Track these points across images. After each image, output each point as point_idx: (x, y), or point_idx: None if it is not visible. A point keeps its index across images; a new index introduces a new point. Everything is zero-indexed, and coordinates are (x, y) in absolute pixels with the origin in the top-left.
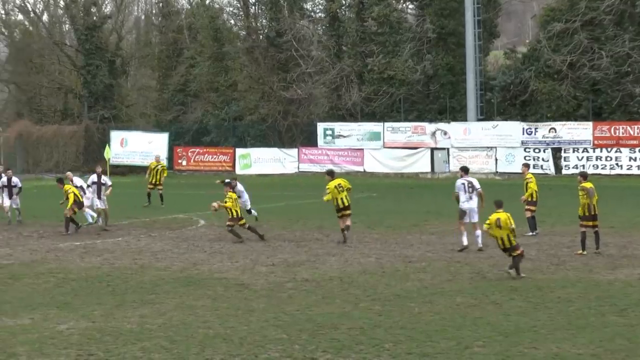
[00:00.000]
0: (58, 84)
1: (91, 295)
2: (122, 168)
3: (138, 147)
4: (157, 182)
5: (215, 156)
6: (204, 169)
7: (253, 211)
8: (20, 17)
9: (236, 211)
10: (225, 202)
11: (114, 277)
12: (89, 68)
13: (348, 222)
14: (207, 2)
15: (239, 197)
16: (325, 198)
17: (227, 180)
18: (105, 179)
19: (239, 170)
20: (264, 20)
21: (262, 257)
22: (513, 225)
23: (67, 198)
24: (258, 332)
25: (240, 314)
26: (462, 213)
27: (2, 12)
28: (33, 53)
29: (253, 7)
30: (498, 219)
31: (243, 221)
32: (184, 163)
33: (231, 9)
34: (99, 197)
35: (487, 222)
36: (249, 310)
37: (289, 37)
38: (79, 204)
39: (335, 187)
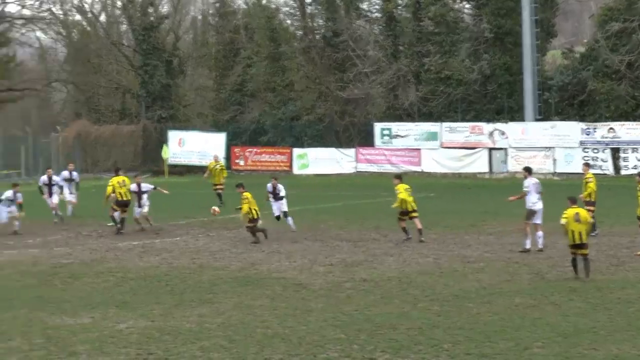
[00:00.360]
0: (116, 83)
1: (150, 295)
2: (179, 168)
3: (196, 147)
4: (218, 182)
5: (272, 156)
6: (262, 169)
7: (288, 219)
8: (78, 17)
9: (255, 210)
10: (241, 208)
11: (172, 277)
12: (146, 68)
13: (419, 225)
14: (264, 2)
15: (278, 197)
16: (394, 205)
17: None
18: (75, 174)
19: (296, 170)
20: (320, 20)
21: (320, 257)
22: (591, 220)
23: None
24: (316, 332)
25: (299, 314)
26: (531, 213)
27: (61, 12)
28: (91, 53)
29: (309, 7)
30: (577, 213)
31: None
32: (242, 163)
33: (287, 8)
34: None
35: (564, 215)
36: (307, 310)
37: (346, 37)
38: (120, 202)
39: (406, 190)
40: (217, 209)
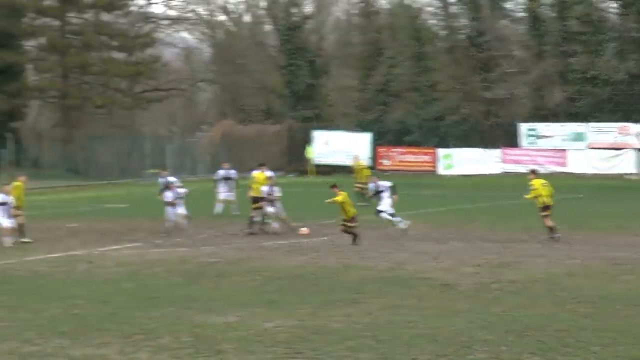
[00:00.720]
0: (260, 83)
1: (297, 294)
2: (324, 167)
3: (340, 146)
4: (361, 182)
5: (417, 156)
6: (406, 169)
7: (399, 222)
8: (222, 17)
9: (349, 211)
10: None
11: (319, 276)
12: (290, 68)
13: (549, 223)
14: (407, 1)
15: (381, 195)
16: (528, 196)
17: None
18: (232, 172)
19: (441, 171)
20: (464, 20)
21: (466, 258)
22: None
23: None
24: (464, 332)
25: (446, 315)
26: None
27: (205, 12)
28: (236, 53)
29: (453, 7)
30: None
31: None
32: (387, 163)
33: (431, 8)
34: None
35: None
36: (454, 311)
37: (490, 37)
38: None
39: (542, 185)
40: (305, 230)
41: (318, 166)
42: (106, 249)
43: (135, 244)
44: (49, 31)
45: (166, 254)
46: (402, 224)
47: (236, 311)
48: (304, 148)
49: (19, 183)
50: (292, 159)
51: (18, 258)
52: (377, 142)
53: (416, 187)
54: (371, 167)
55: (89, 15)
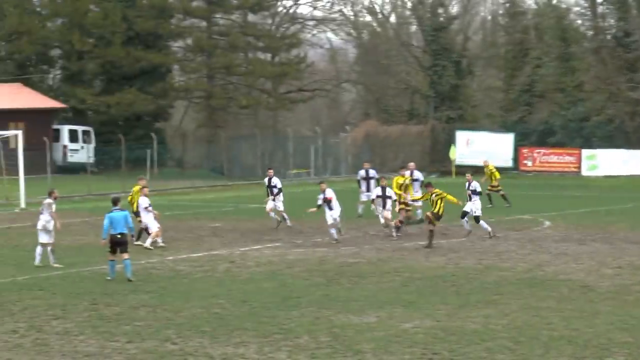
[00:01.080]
0: (405, 84)
1: (435, 295)
2: (466, 168)
3: (483, 147)
4: (493, 185)
5: (561, 157)
6: (550, 170)
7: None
8: (368, 18)
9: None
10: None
11: (458, 277)
12: (435, 69)
13: None
14: (554, 2)
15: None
16: None
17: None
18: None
19: (585, 172)
20: (611, 20)
21: (608, 259)
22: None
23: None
24: (603, 335)
25: (585, 316)
26: None
27: (351, 13)
28: (381, 54)
29: (600, 7)
30: None
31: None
32: (530, 164)
33: (578, 8)
34: None
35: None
36: (594, 313)
37: (637, 37)
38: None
39: None
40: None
41: (460, 167)
42: (247, 248)
43: (276, 244)
44: (195, 32)
45: (306, 254)
46: (468, 225)
47: (375, 312)
48: (446, 149)
49: (138, 187)
50: (435, 159)
51: (160, 257)
52: (520, 143)
53: (559, 188)
54: (514, 169)
55: (235, 16)
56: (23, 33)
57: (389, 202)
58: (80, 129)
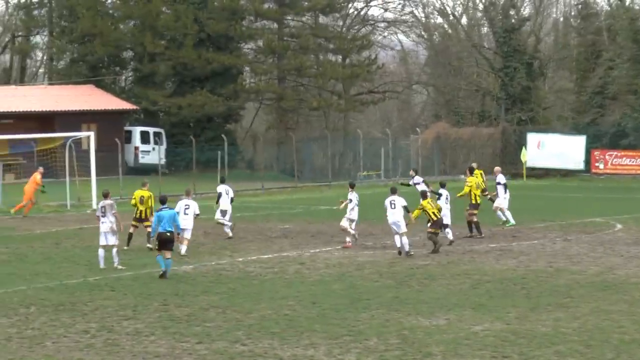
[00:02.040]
0: (476, 86)
1: (506, 297)
2: (538, 170)
3: (555, 149)
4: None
5: (633, 160)
6: (622, 173)
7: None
8: (439, 20)
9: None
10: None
11: (528, 280)
12: (506, 70)
13: None
14: (627, 3)
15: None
16: None
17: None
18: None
19: None
20: None
21: None
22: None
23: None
24: None
25: None
26: None
27: (422, 15)
28: (451, 56)
29: None
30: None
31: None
32: (601, 166)
33: None
34: None
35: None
36: None
37: None
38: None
39: None
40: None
41: (532, 169)
42: (317, 250)
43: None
44: (266, 34)
45: (376, 256)
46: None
47: (444, 314)
48: (517, 151)
49: (147, 193)
50: (506, 161)
51: (230, 259)
52: (592, 145)
53: (631, 191)
54: (586, 171)
55: (306, 18)
56: (96, 35)
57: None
58: (151, 130)
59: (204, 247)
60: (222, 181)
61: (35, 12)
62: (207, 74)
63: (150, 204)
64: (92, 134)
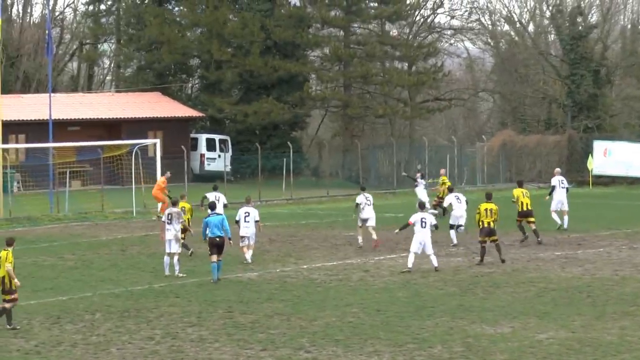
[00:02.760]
0: (542, 93)
1: (571, 306)
2: (604, 178)
3: (621, 157)
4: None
5: None
6: None
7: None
8: (506, 27)
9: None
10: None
11: (594, 288)
12: (573, 78)
13: None
14: None
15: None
16: None
17: None
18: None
19: None
20: None
21: None
22: None
23: None
24: None
25: None
26: None
27: (489, 22)
28: (518, 63)
29: None
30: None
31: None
32: None
33: None
34: None
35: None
36: None
37: None
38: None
39: None
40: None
41: (599, 177)
42: (381, 258)
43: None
44: (333, 41)
45: (441, 264)
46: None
47: (509, 322)
48: (584, 159)
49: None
50: (572, 169)
51: (294, 266)
52: None
53: None
54: None
55: (372, 25)
56: (163, 43)
57: None
58: (217, 137)
59: (268, 254)
60: (215, 189)
61: (103, 20)
62: (273, 81)
63: (189, 216)
64: (158, 141)
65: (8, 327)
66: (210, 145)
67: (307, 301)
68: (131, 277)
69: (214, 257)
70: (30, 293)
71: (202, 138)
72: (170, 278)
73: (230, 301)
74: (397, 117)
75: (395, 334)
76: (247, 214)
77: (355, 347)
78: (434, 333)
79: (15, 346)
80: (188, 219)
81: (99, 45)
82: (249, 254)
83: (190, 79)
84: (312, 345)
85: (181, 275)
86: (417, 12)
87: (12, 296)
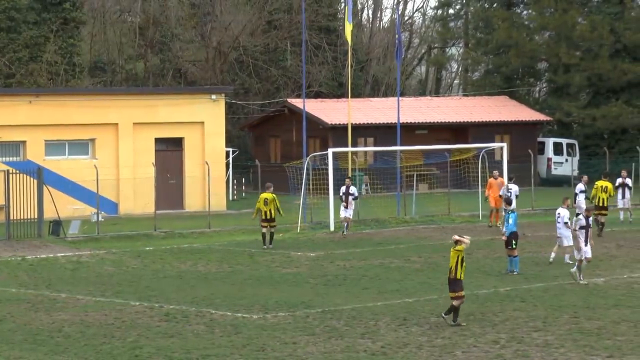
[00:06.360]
0: None
1: None
2: None
3: None
4: None
5: None
6: None
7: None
8: None
9: None
10: None
11: None
12: None
13: None
14: None
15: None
16: None
17: None
18: None
19: None
20: None
21: None
22: None
23: None
24: None
25: None
26: None
27: None
28: None
29: None
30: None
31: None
32: None
33: None
34: None
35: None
36: None
37: None
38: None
39: None
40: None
41: None
42: None
43: None
44: None
45: None
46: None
47: None
48: None
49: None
50: None
51: None
52: None
53: None
54: None
55: None
56: (511, 46)
57: None
58: (564, 141)
59: (616, 259)
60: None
61: (452, 24)
62: (623, 84)
63: (275, 205)
64: (504, 145)
65: (452, 323)
66: (558, 149)
67: None
68: (477, 280)
69: (511, 252)
70: (377, 294)
71: (550, 142)
72: (515, 282)
73: (576, 306)
74: None
75: None
76: (558, 215)
77: None
78: None
79: (362, 347)
80: (274, 209)
81: (447, 49)
82: (566, 256)
83: (538, 82)
84: None
85: (584, 282)
86: None
87: (458, 293)
